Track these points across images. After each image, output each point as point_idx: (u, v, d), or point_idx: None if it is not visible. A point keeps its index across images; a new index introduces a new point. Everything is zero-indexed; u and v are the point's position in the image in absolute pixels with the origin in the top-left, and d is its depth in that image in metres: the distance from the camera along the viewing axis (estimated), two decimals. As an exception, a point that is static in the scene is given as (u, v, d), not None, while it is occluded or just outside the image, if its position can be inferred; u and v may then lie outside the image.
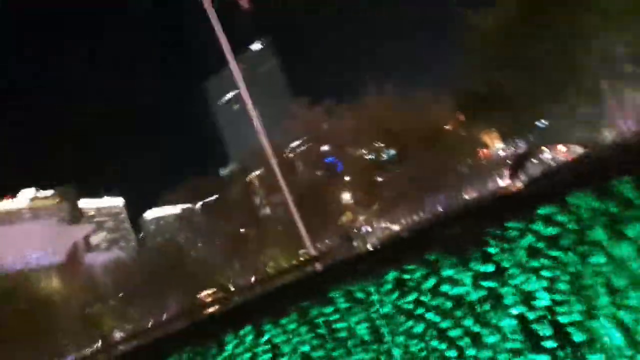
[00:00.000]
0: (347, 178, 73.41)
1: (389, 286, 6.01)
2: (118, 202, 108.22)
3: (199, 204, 75.93)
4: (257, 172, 74.82)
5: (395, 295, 5.98)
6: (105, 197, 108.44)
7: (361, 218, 72.65)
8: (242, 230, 74.44)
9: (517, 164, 65.40)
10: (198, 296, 77.90)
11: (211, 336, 6.83)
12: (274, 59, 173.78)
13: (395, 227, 71.09)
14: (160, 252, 79.60)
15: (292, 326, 6.48)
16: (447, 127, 72.79)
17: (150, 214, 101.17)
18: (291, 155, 73.55)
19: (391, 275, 5.99)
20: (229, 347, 6.72)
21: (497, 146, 77.17)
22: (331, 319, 6.32)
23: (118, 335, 72.45)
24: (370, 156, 72.32)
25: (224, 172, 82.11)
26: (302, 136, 72.56)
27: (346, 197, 73.34)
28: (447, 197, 71.56)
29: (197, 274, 76.67)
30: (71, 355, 60.96)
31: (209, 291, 78.51)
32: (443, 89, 69.63)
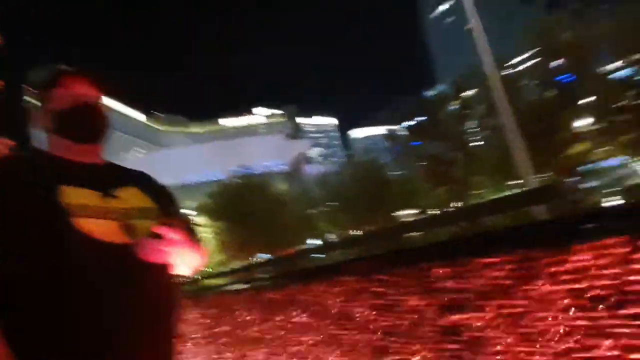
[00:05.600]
0: (585, 100, 46.30)
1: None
2: (331, 120, 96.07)
3: (405, 125, 57.19)
4: (472, 92, 52.14)
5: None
6: (320, 116, 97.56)
7: (600, 151, 45.87)
8: (448, 154, 54.04)
9: None
10: (397, 214, 63.58)
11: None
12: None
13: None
14: (365, 169, 65.92)
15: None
16: None
17: (358, 133, 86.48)
18: (517, 72, 48.77)
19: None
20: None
21: None
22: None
23: (332, 237, 67.05)
24: (625, 72, 43.78)
25: (433, 92, 61.10)
26: (534, 48, 46.73)
27: (581, 123, 46.71)
28: None
29: (399, 193, 61.44)
30: (296, 246, 57.50)
31: (410, 211, 63.91)
32: None
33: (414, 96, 62.04)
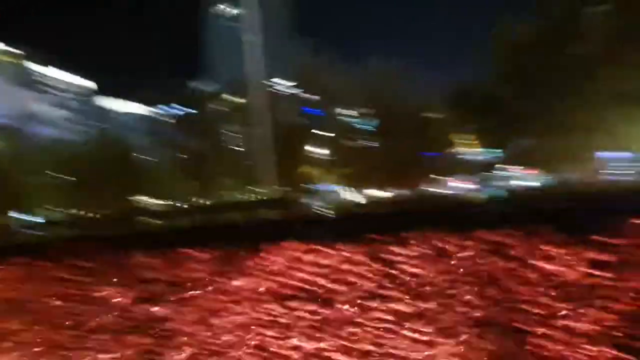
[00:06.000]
0: (323, 133, 55.25)
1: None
2: (88, 83, 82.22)
3: (170, 111, 54.94)
4: (239, 100, 54.52)
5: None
6: (77, 74, 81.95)
7: (325, 176, 55.36)
8: (204, 151, 54.78)
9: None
10: (132, 198, 57.18)
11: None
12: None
13: (353, 196, 54.79)
14: (113, 146, 59.23)
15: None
16: (432, 117, 56.27)
17: (116, 105, 77.55)
18: (278, 93, 53.76)
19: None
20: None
21: (469, 151, 61.89)
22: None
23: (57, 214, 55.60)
24: (354, 120, 54.53)
25: (205, 87, 60.60)
26: (295, 80, 52.79)
27: (317, 152, 55.41)
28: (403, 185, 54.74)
29: (144, 179, 57.56)
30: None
31: (145, 198, 57.47)
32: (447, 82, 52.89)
33: (180, 84, 60.00)
